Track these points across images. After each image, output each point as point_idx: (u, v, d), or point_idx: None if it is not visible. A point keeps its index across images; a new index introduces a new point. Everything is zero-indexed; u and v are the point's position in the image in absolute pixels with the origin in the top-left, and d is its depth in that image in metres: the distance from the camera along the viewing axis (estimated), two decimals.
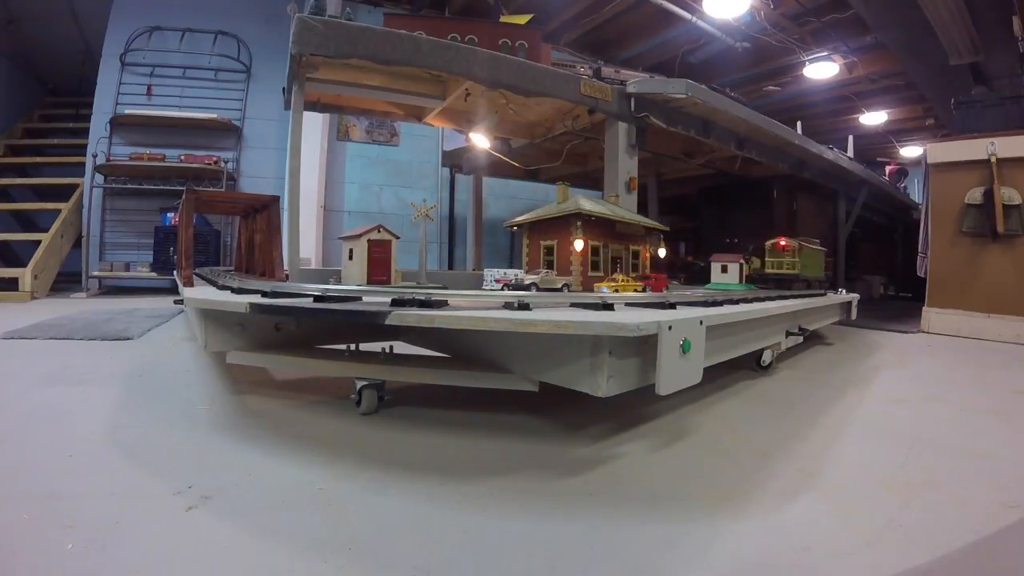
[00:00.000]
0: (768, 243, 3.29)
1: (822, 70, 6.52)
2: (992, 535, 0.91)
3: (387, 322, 1.17)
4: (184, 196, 2.29)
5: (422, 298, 1.27)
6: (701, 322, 1.30)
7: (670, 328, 1.17)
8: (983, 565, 0.84)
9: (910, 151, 9.24)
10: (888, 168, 8.49)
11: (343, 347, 1.65)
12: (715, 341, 1.53)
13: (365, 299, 1.37)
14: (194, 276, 2.31)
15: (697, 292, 2.46)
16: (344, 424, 1.43)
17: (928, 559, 0.83)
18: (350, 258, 2.49)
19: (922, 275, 4.07)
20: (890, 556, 0.84)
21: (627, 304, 1.52)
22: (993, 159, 3.56)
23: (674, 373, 1.20)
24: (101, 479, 1.05)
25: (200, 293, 1.76)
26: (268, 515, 0.94)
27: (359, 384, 1.49)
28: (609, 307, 1.39)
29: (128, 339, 2.58)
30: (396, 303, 1.26)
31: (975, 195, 3.65)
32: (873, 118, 8.08)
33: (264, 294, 1.46)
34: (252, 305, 1.35)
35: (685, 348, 1.21)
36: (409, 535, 0.89)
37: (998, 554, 0.87)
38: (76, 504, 0.94)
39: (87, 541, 0.82)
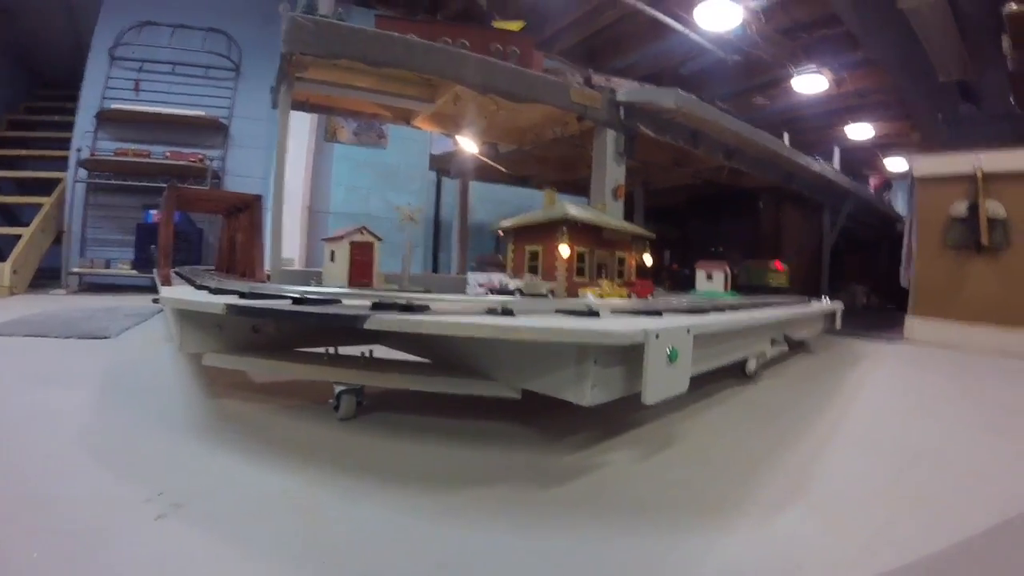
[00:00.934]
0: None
1: (810, 83, 6.58)
2: (984, 544, 0.90)
3: (366, 326, 1.15)
4: (165, 192, 2.25)
5: (403, 302, 1.24)
6: (688, 330, 1.28)
7: (657, 336, 1.15)
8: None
9: (896, 165, 9.34)
10: (873, 182, 8.59)
11: (322, 351, 1.61)
12: (702, 350, 1.51)
13: (345, 302, 1.34)
14: (172, 275, 2.26)
15: (683, 299, 2.45)
16: (322, 430, 1.39)
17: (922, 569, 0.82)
18: (332, 260, 2.46)
19: (906, 286, 4.10)
20: (884, 570, 0.83)
21: (613, 311, 1.50)
22: (979, 173, 3.60)
23: (660, 382, 1.18)
24: (68, 484, 1.01)
25: (177, 292, 1.72)
26: (242, 524, 0.91)
27: (338, 389, 1.45)
28: (595, 314, 1.37)
29: (106, 338, 2.52)
30: (376, 307, 1.23)
31: (960, 208, 3.69)
32: (859, 131, 8.16)
33: (242, 295, 1.42)
34: (229, 306, 1.31)
35: (672, 357, 1.19)
36: (388, 546, 0.86)
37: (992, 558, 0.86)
38: (40, 511, 0.90)
39: (51, 549, 0.78)
